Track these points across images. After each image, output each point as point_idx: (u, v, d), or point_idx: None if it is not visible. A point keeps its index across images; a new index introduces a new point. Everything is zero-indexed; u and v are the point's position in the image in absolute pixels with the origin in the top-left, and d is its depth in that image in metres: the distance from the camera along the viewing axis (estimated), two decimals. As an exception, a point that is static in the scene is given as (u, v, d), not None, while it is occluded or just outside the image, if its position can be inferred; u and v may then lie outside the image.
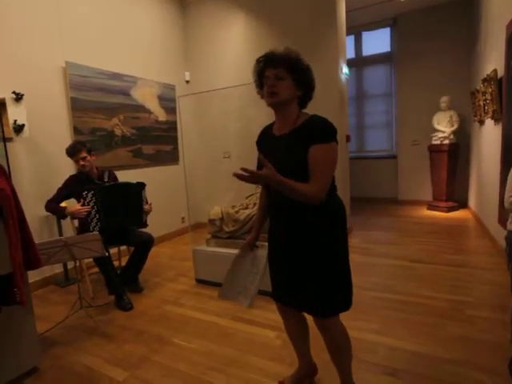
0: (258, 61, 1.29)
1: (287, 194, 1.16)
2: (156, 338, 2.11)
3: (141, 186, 2.78)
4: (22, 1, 2.85)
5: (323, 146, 1.18)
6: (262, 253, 1.52)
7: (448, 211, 5.09)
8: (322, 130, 1.20)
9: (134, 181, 2.77)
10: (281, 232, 1.35)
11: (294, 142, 1.22)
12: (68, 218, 2.86)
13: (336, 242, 1.30)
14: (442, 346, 1.84)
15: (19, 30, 2.84)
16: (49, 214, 2.95)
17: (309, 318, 1.45)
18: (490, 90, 3.26)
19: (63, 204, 2.66)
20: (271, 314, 2.27)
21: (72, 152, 2.64)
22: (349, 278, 1.34)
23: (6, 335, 1.68)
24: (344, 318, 1.40)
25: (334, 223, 1.30)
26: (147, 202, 2.84)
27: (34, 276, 2.85)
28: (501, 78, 3.04)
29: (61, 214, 2.65)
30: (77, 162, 2.67)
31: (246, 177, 1.06)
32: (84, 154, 2.64)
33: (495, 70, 3.12)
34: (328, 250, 1.27)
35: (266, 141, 1.38)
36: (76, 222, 2.83)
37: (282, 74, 1.22)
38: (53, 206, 2.62)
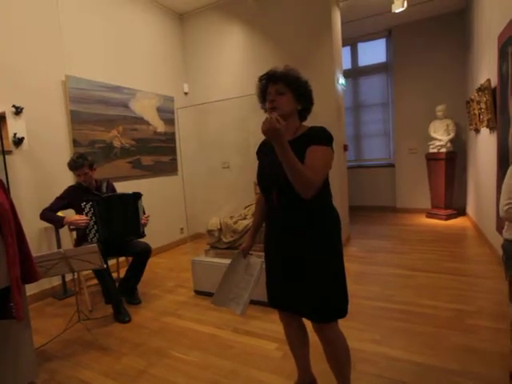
0: (261, 78, 1.36)
1: (286, 166, 1.15)
2: (154, 351, 2.09)
3: (137, 196, 2.78)
4: (22, 15, 2.90)
5: (319, 147, 1.25)
6: (256, 260, 1.54)
7: (447, 219, 5.09)
8: (319, 135, 1.28)
9: (130, 191, 2.78)
10: (277, 238, 1.38)
11: (293, 148, 1.24)
12: (67, 230, 2.86)
13: (332, 248, 1.32)
14: (443, 357, 1.82)
15: (20, 44, 2.88)
16: (47, 225, 2.96)
17: (309, 330, 1.44)
18: (485, 99, 3.30)
19: (59, 214, 2.66)
20: (271, 325, 2.26)
21: (74, 167, 2.66)
22: (344, 285, 1.36)
23: (2, 349, 1.66)
24: (344, 327, 1.40)
25: (331, 231, 1.33)
26: (144, 213, 2.85)
27: (31, 289, 2.83)
28: (494, 88, 3.09)
29: (58, 224, 2.64)
30: (78, 175, 2.70)
31: (267, 120, 1.10)
32: (86, 170, 2.67)
33: (489, 80, 3.17)
34: (323, 256, 1.30)
35: (267, 149, 1.41)
36: (74, 234, 2.83)
37: (282, 89, 1.29)
38: (50, 214, 2.62)
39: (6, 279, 1.36)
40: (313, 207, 1.28)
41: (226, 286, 1.54)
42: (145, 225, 2.81)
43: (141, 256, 2.74)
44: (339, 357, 1.38)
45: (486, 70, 3.48)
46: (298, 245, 1.31)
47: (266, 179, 1.36)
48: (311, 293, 1.30)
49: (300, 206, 1.25)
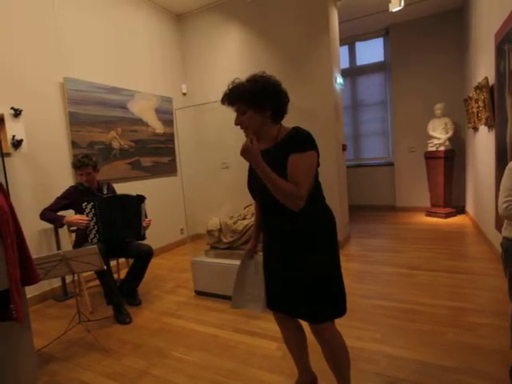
0: (222, 103, 1.34)
1: (269, 185, 1.19)
2: (155, 352, 2.09)
3: (140, 198, 2.79)
4: (20, 17, 2.90)
5: (300, 155, 1.22)
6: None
7: (446, 217, 5.10)
8: (299, 141, 1.25)
9: (134, 193, 2.78)
10: (272, 240, 1.39)
11: (275, 156, 1.27)
12: (66, 231, 2.86)
13: (326, 249, 1.32)
14: (443, 354, 1.83)
15: (18, 47, 2.88)
16: (47, 227, 2.96)
17: (307, 329, 1.44)
18: (483, 97, 3.31)
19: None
20: (272, 324, 2.25)
21: (79, 166, 2.67)
22: (340, 285, 1.36)
23: (2, 352, 1.66)
24: (343, 326, 1.40)
25: (324, 231, 1.33)
26: (146, 216, 2.85)
27: (31, 291, 2.84)
28: (492, 86, 3.09)
29: (58, 223, 2.64)
30: (80, 175, 2.70)
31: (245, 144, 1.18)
32: (89, 170, 2.69)
33: (486, 78, 3.18)
34: (318, 257, 1.30)
35: None
36: (73, 235, 2.83)
37: (242, 108, 1.28)
38: (50, 214, 2.63)
39: (6, 281, 1.36)
40: (302, 210, 1.25)
41: (242, 289, 1.58)
42: (146, 228, 2.82)
43: (142, 258, 2.75)
44: (337, 357, 1.38)
45: (484, 68, 3.49)
46: (291, 247, 1.32)
47: (253, 184, 1.36)
48: (306, 294, 1.30)
49: (288, 210, 1.23)
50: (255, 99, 1.26)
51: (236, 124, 1.31)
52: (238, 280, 1.59)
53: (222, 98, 1.33)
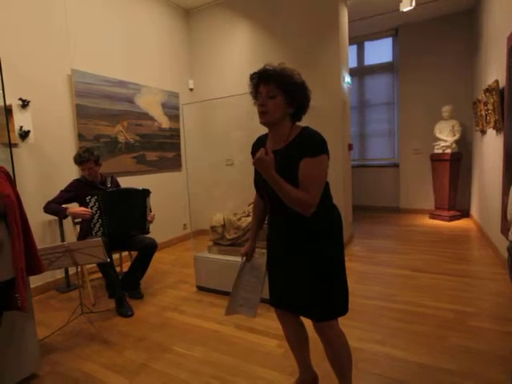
0: (252, 77, 1.29)
1: (279, 194, 1.20)
2: (156, 346, 2.10)
3: (145, 192, 2.79)
4: (30, 9, 2.90)
5: (313, 160, 1.21)
6: (260, 261, 1.53)
7: (450, 220, 5.07)
8: (312, 145, 1.23)
9: (139, 187, 2.79)
10: (278, 238, 1.38)
11: (286, 158, 1.24)
12: (71, 224, 2.87)
13: (332, 248, 1.32)
14: (444, 358, 1.82)
15: (26, 38, 2.89)
16: (52, 218, 2.98)
17: (309, 328, 1.44)
18: (492, 100, 3.27)
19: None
20: (273, 322, 2.25)
21: (80, 161, 2.67)
22: (344, 283, 1.36)
23: (6, 341, 1.67)
24: (345, 326, 1.40)
25: (330, 230, 1.32)
26: (151, 210, 2.86)
27: (35, 281, 2.85)
28: (502, 89, 3.06)
29: (62, 215, 2.65)
30: (83, 170, 2.72)
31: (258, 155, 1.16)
32: (91, 165, 2.69)
33: (497, 81, 3.14)
34: (323, 256, 1.29)
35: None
36: (78, 228, 2.84)
37: (274, 92, 1.22)
38: (54, 206, 2.64)
39: (12, 270, 1.37)
40: None
41: (235, 294, 1.54)
42: (150, 222, 2.82)
43: (146, 251, 2.75)
44: (340, 356, 1.38)
45: (495, 71, 3.45)
46: (296, 245, 1.31)
47: (260, 183, 1.34)
48: (311, 292, 1.29)
49: (294, 210, 1.23)
50: (293, 90, 1.23)
51: (261, 104, 1.23)
52: (234, 287, 1.55)
53: (256, 72, 1.26)
